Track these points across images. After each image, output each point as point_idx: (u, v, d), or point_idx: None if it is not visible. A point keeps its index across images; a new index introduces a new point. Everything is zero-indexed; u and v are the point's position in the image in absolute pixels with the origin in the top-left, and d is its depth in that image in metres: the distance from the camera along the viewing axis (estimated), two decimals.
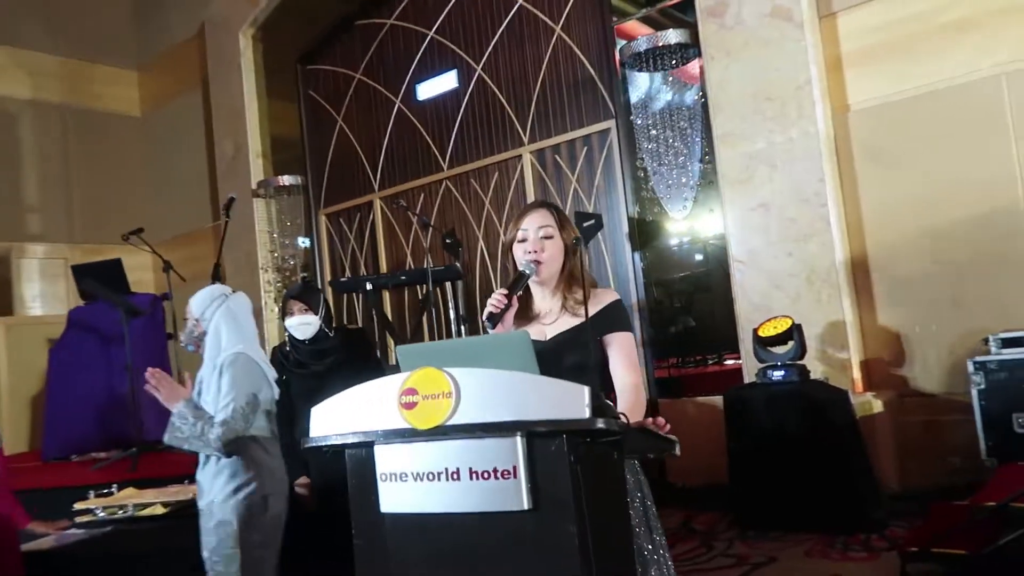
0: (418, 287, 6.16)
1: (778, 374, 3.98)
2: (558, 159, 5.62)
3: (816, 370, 4.19)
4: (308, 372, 3.11)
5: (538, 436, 1.23)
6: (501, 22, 5.88)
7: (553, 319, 2.10)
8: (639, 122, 5.06)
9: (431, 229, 5.29)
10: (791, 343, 4.04)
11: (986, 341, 3.73)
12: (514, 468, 1.22)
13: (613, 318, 2.06)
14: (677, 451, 1.65)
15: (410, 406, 1.28)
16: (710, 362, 6.16)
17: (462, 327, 5.79)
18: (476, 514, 1.26)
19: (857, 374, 4.27)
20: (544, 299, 2.13)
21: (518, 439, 1.23)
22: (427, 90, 6.31)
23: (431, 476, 1.29)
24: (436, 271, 5.17)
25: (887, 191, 4.28)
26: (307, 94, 7.20)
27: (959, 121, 4.06)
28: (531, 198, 5.73)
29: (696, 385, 5.27)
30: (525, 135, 5.78)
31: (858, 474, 3.75)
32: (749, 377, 4.38)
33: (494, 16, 5.90)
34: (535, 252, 2.06)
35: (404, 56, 6.46)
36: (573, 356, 2.02)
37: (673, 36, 4.85)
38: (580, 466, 1.21)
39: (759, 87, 4.46)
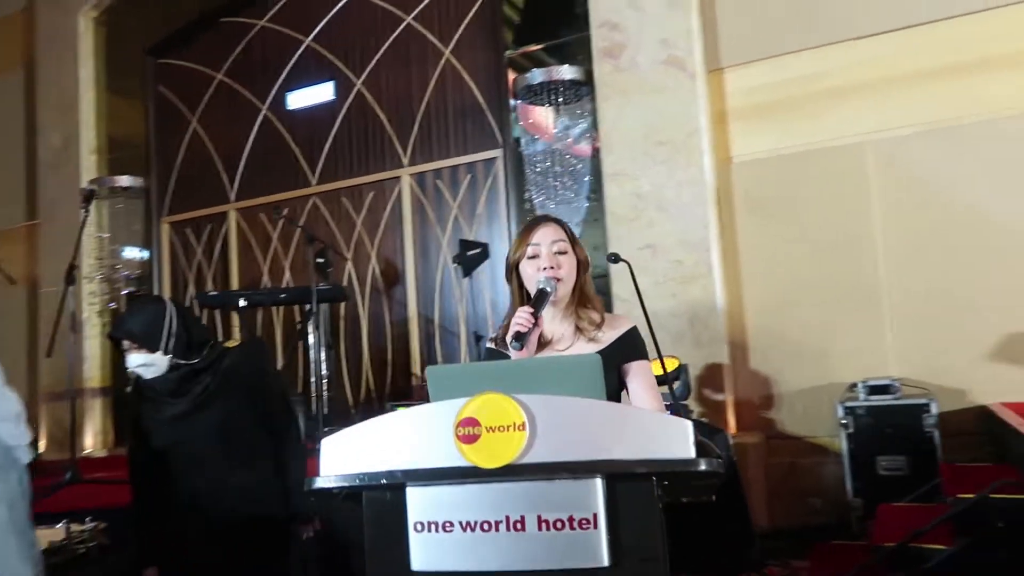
0: (289, 308, 5.68)
1: None
2: (439, 184, 5.46)
3: (694, 411, 4.28)
4: (164, 419, 2.39)
5: (622, 478, 1.05)
6: (386, 38, 5.66)
7: (567, 344, 1.95)
8: (528, 153, 5.03)
9: (315, 244, 4.90)
10: (678, 383, 4.10)
11: (853, 387, 3.98)
12: (594, 516, 1.04)
13: (633, 346, 1.96)
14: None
15: (470, 439, 1.06)
16: None
17: (321, 353, 5.41)
18: (542, 572, 1.06)
19: (731, 416, 4.41)
20: (554, 322, 1.97)
21: (598, 481, 1.05)
22: (299, 99, 5.93)
23: (487, 526, 1.07)
24: (321, 291, 4.78)
25: (764, 241, 4.50)
26: (157, 90, 6.55)
27: (829, 181, 4.36)
28: (408, 221, 5.52)
29: None
30: (405, 156, 5.57)
31: (737, 515, 3.83)
32: None
33: (379, 31, 5.68)
34: (553, 268, 1.90)
35: (275, 61, 6.05)
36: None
37: (568, 72, 4.88)
38: (668, 514, 1.05)
39: (651, 130, 4.57)
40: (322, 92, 5.83)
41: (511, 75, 5.18)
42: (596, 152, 4.82)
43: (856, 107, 4.32)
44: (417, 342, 5.46)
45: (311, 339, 5.19)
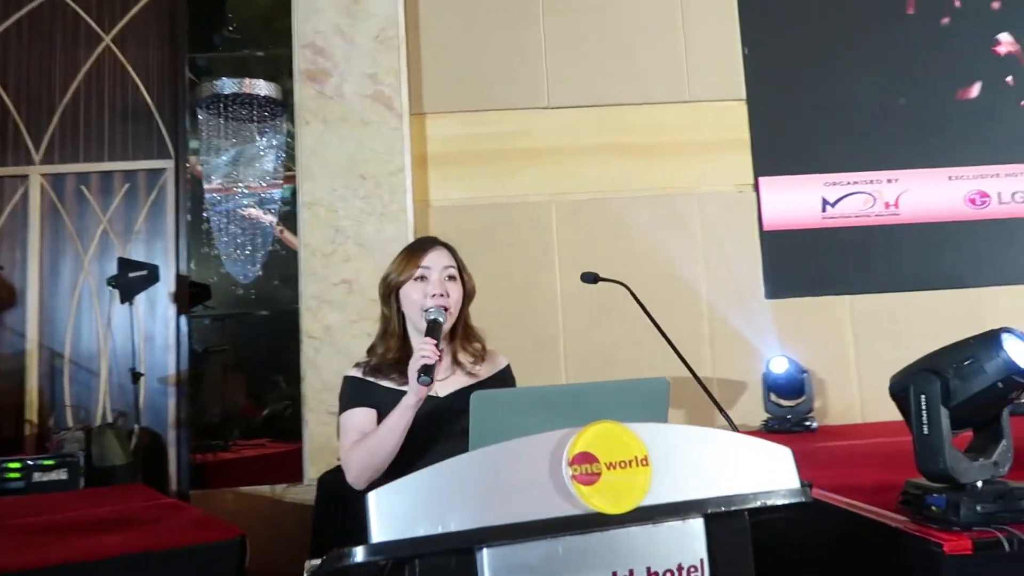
0: None
1: None
2: (84, 191, 4.54)
3: None
4: None
5: (717, 517, 0.91)
6: (22, 5, 4.61)
7: (444, 376, 1.81)
8: (206, 170, 4.47)
9: None
10: None
11: None
12: (700, 562, 0.88)
13: (509, 383, 1.92)
14: None
15: (589, 479, 0.83)
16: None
17: None
18: None
19: None
20: None
21: (700, 522, 0.90)
22: None
23: None
24: None
25: None
26: None
27: (518, 233, 4.65)
28: (35, 229, 4.47)
29: (247, 472, 4.64)
30: (37, 152, 4.53)
31: None
32: (316, 462, 4.09)
33: None
34: (442, 295, 1.76)
35: None
36: (467, 418, 1.68)
37: (264, 88, 4.50)
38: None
39: (354, 164, 4.41)
40: None
41: (195, 81, 4.59)
42: (287, 179, 4.49)
43: (545, 168, 4.71)
44: (35, 380, 4.39)
45: None
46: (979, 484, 1.82)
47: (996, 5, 4.97)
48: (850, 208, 4.75)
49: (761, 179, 4.75)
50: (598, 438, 0.90)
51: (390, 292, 1.88)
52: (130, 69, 4.62)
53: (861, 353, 4.64)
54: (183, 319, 4.42)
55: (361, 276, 4.34)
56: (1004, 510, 1.77)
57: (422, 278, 1.83)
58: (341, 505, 3.58)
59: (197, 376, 4.62)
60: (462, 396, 1.66)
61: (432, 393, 1.75)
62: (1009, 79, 4.92)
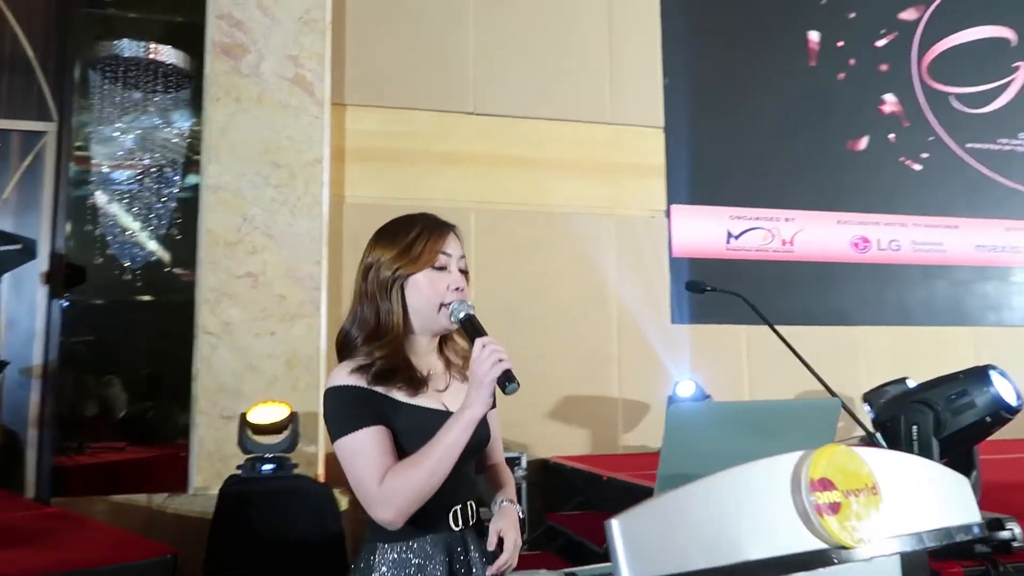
0: None
1: (268, 467, 3.50)
2: None
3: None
4: None
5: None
6: None
7: (444, 384, 1.58)
8: (95, 139, 4.00)
9: None
10: (285, 433, 3.62)
11: None
12: None
13: None
14: None
15: (831, 509, 0.73)
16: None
17: None
18: None
19: (322, 469, 4.07)
20: (426, 356, 1.59)
21: (898, 560, 0.83)
22: None
23: None
24: None
25: None
26: None
27: None
28: None
29: (112, 479, 4.13)
30: None
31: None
32: (204, 470, 3.73)
33: None
34: (461, 290, 1.54)
35: None
36: (482, 433, 1.54)
37: (170, 55, 4.09)
38: None
39: (268, 149, 4.10)
40: None
41: (89, 39, 4.10)
42: (189, 159, 4.11)
43: (464, 175, 4.59)
44: None
45: None
46: None
47: (884, 67, 5.41)
48: (751, 242, 4.98)
49: (673, 206, 4.88)
50: (832, 463, 0.81)
51: (394, 282, 1.54)
52: (9, 15, 4.07)
53: (754, 381, 4.85)
54: (56, 304, 3.91)
55: (268, 270, 4.03)
56: (988, 541, 1.85)
57: (442, 268, 1.54)
58: (245, 521, 3.27)
59: (65, 370, 4.08)
60: None
61: (439, 407, 1.54)
62: (892, 136, 5.37)
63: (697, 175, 4.93)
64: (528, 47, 4.78)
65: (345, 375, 1.49)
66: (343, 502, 3.92)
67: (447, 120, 4.59)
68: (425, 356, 1.59)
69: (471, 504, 1.57)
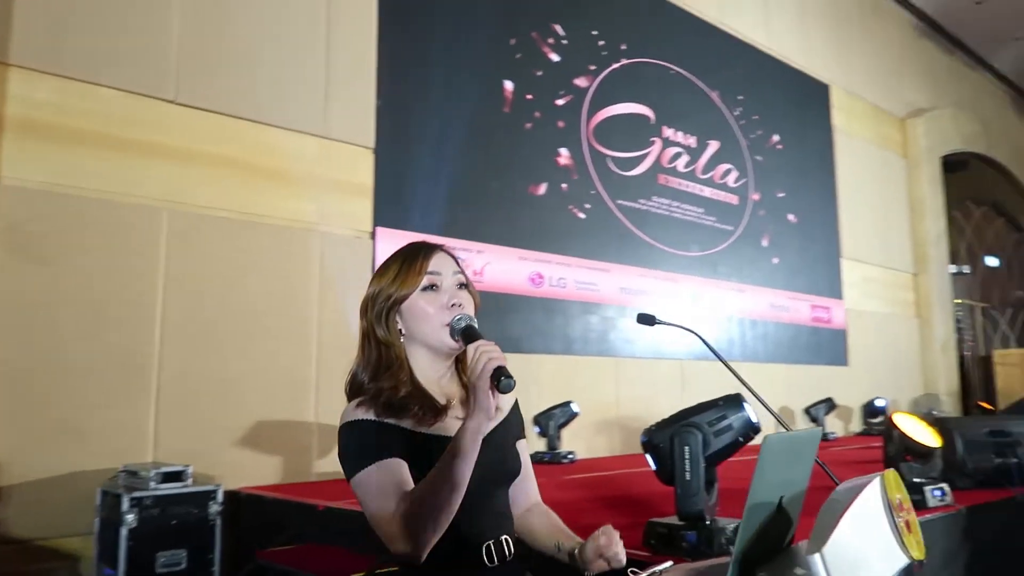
0: None
1: None
2: None
3: None
4: None
5: None
6: None
7: (464, 411, 1.45)
8: None
9: None
10: None
11: (133, 474, 3.51)
12: None
13: (521, 416, 1.63)
14: None
15: (908, 527, 0.78)
16: None
17: None
18: None
19: None
20: (442, 383, 1.53)
21: None
22: None
23: None
24: None
25: (26, 289, 3.59)
26: None
27: (118, 238, 3.88)
28: None
29: None
30: None
31: None
32: None
33: None
34: (459, 305, 1.48)
35: None
36: (511, 464, 1.54)
37: None
38: None
39: None
40: None
41: None
42: None
43: (160, 168, 4.04)
44: None
45: None
46: (709, 521, 2.22)
47: (561, 124, 6.08)
48: None
49: (379, 228, 4.87)
50: (893, 484, 0.90)
51: (389, 311, 1.52)
52: None
53: None
54: None
55: None
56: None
57: (432, 287, 1.51)
58: None
59: None
60: (497, 436, 1.42)
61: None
62: (564, 186, 6.04)
63: (404, 200, 4.99)
64: (242, 40, 4.40)
65: (352, 410, 1.49)
66: None
67: (142, 104, 4.00)
68: (441, 383, 1.54)
69: (505, 540, 1.47)
